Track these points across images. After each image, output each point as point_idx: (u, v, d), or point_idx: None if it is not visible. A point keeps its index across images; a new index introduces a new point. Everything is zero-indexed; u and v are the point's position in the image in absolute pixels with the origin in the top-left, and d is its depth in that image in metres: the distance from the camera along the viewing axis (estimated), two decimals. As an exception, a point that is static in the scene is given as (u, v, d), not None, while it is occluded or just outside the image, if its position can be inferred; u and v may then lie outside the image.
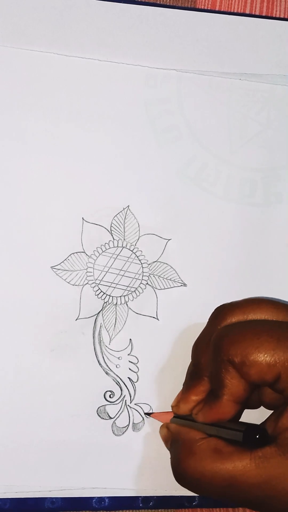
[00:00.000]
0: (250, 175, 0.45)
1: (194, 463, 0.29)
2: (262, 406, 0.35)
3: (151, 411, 0.41)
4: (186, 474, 0.30)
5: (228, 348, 0.30)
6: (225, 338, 0.31)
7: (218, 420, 0.31)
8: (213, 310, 0.35)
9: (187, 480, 0.30)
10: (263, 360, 0.29)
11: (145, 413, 0.41)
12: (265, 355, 0.29)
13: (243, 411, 0.34)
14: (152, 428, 0.41)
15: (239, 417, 0.34)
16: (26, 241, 0.42)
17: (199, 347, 0.34)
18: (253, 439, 0.29)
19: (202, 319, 0.43)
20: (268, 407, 0.34)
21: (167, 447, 0.34)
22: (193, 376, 0.34)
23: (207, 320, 0.35)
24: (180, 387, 0.42)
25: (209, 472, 0.29)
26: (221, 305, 0.34)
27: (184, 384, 0.35)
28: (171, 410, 0.37)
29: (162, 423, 0.37)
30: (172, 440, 0.33)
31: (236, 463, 0.28)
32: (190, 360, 0.35)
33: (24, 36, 0.43)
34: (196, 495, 0.41)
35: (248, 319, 0.32)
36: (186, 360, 0.42)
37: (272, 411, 0.33)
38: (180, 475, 0.30)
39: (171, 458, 0.32)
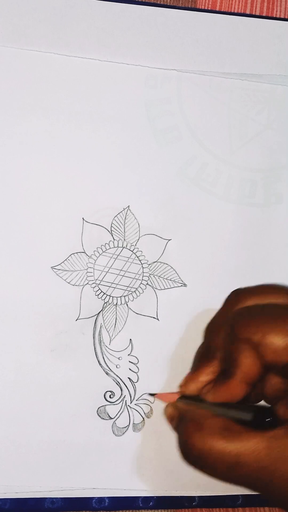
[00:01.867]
0: (250, 175, 0.45)
1: (203, 438, 0.29)
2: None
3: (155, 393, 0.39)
4: (193, 449, 0.29)
5: (246, 328, 0.30)
6: (243, 318, 0.31)
7: (228, 400, 0.31)
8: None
9: (194, 456, 0.29)
10: (280, 342, 0.29)
11: (149, 394, 0.40)
12: (282, 337, 0.29)
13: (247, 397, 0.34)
14: (153, 429, 0.41)
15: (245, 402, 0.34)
16: (26, 241, 0.42)
17: (212, 329, 0.34)
18: (263, 420, 0.30)
19: (202, 319, 0.43)
20: (269, 400, 0.34)
21: (172, 426, 0.33)
22: (203, 356, 0.34)
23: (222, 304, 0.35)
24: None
25: (218, 449, 0.28)
26: (236, 289, 0.34)
27: (193, 365, 0.34)
28: (176, 391, 0.36)
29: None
30: (179, 417, 0.32)
31: (246, 442, 0.28)
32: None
33: (25, 36, 0.43)
34: (196, 495, 0.41)
35: (264, 303, 0.32)
36: (186, 360, 0.42)
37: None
38: (187, 451, 0.29)
39: (178, 435, 0.31)
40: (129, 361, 0.42)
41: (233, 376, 0.30)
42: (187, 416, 0.31)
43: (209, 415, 0.30)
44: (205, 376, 0.33)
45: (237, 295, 0.34)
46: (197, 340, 0.43)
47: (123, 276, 0.43)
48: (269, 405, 0.32)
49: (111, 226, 0.43)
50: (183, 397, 0.34)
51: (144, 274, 0.43)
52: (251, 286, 0.34)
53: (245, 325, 0.30)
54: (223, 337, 0.32)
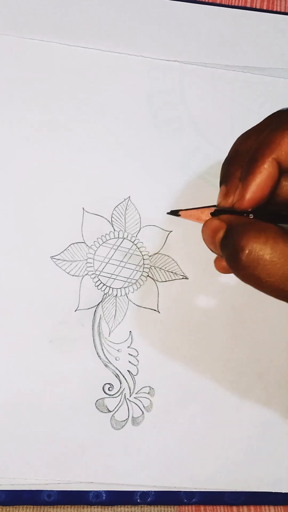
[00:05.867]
0: (252, 168, 0.45)
1: (266, 241, 0.26)
2: None
3: (178, 211, 0.33)
4: (251, 252, 0.26)
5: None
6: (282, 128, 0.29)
7: (257, 201, 0.28)
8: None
9: (253, 265, 0.26)
10: None
11: (169, 212, 0.33)
12: None
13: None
14: (152, 423, 0.40)
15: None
16: (26, 230, 0.41)
17: (246, 136, 0.31)
18: None
19: (203, 312, 0.42)
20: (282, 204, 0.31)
21: (212, 242, 0.29)
22: (230, 163, 0.31)
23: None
24: (181, 382, 0.41)
25: (281, 254, 0.25)
26: (279, 110, 0.32)
27: (223, 178, 0.31)
28: (210, 205, 0.32)
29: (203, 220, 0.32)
30: (228, 228, 0.28)
31: None
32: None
33: (26, 25, 0.43)
34: (195, 490, 0.40)
35: None
36: (187, 353, 0.42)
37: None
38: (242, 252, 0.26)
39: (227, 245, 0.27)
40: (129, 354, 0.41)
41: (259, 166, 0.28)
42: (238, 224, 0.28)
43: (264, 222, 0.27)
44: (262, 183, 0.29)
45: (283, 113, 0.31)
46: (198, 333, 0.42)
47: (123, 267, 0.42)
48: None
49: (112, 217, 0.43)
50: (219, 210, 0.30)
51: (145, 266, 0.42)
52: None
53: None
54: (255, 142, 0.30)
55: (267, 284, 0.26)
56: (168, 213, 0.33)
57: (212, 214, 0.31)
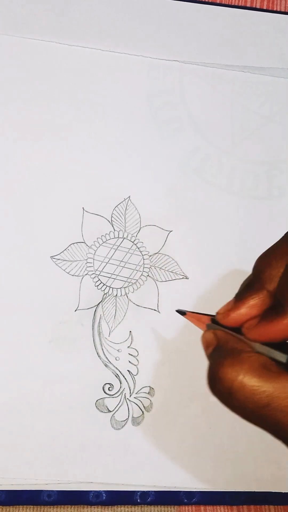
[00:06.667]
0: (253, 168, 0.45)
1: (238, 373, 0.27)
2: None
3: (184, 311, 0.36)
4: (224, 382, 0.27)
5: None
6: None
7: (272, 340, 0.29)
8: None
9: (223, 388, 0.27)
10: None
11: (176, 310, 0.36)
12: None
13: None
14: (152, 423, 0.40)
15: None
16: (26, 230, 0.41)
17: (266, 259, 0.31)
18: None
19: (203, 312, 0.42)
20: None
21: (206, 353, 0.31)
22: (250, 286, 0.31)
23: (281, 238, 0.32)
24: (181, 382, 0.41)
25: (251, 387, 0.27)
26: None
27: (238, 294, 0.31)
28: (210, 314, 0.33)
29: (204, 329, 0.34)
30: (217, 345, 0.30)
31: (282, 384, 0.26)
32: (247, 277, 0.32)
33: (26, 25, 0.43)
34: (196, 490, 0.40)
35: None
36: (187, 353, 0.42)
37: None
38: (217, 381, 0.28)
39: (210, 363, 0.29)
40: (129, 354, 0.41)
41: (286, 315, 0.28)
42: (225, 347, 0.29)
43: (249, 350, 0.28)
44: (249, 308, 0.30)
45: None
46: (198, 333, 0.42)
47: (123, 267, 0.42)
48: None
49: (112, 217, 0.43)
50: (217, 323, 0.32)
51: (145, 266, 0.42)
52: None
53: None
54: (281, 269, 0.29)
55: (236, 410, 0.28)
56: (176, 310, 0.36)
57: (211, 321, 0.33)
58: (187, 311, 0.35)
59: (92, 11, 0.44)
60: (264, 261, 0.31)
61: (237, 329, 0.30)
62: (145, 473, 0.40)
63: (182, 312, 0.35)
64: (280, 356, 0.28)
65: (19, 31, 0.43)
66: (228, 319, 0.31)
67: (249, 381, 0.27)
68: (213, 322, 0.32)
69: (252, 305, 0.30)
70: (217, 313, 0.32)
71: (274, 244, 0.31)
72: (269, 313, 0.29)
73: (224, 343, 0.30)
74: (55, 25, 0.43)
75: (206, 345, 0.31)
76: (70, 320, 0.41)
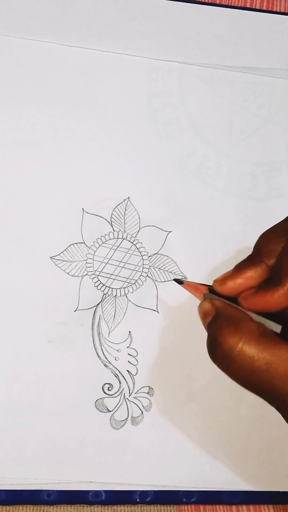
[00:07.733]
0: (251, 169, 0.45)
1: (238, 340, 0.28)
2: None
3: (182, 280, 0.37)
4: (224, 348, 0.28)
5: None
6: None
7: (266, 310, 0.29)
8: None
9: (222, 354, 0.28)
10: None
11: (174, 279, 0.37)
12: None
13: None
14: (152, 423, 0.40)
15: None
16: (26, 231, 0.41)
17: (268, 235, 0.32)
18: None
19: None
20: None
21: (203, 322, 0.32)
22: (251, 259, 0.32)
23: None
24: (180, 382, 0.41)
25: (250, 353, 0.27)
26: None
27: (237, 265, 0.32)
28: (207, 284, 0.34)
29: (201, 299, 0.34)
30: (215, 314, 0.31)
31: (280, 351, 0.27)
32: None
33: (26, 26, 0.43)
34: (195, 489, 0.40)
35: None
36: (186, 353, 0.42)
37: None
38: (217, 348, 0.28)
39: (209, 332, 0.30)
40: (128, 354, 0.41)
41: (282, 285, 0.29)
42: (225, 315, 0.30)
43: (247, 319, 0.29)
44: (248, 278, 0.31)
45: None
46: (197, 333, 0.42)
47: (122, 267, 0.42)
48: None
49: (111, 217, 0.43)
50: (214, 293, 0.32)
51: (144, 266, 0.43)
52: None
53: None
54: (281, 244, 0.30)
55: (234, 376, 0.28)
56: (174, 279, 0.37)
57: (208, 291, 0.33)
58: (185, 280, 0.35)
59: (92, 12, 0.44)
60: (265, 237, 0.32)
61: (233, 299, 0.31)
62: (145, 472, 0.40)
63: (179, 281, 0.36)
64: (275, 327, 0.28)
65: (19, 32, 0.43)
66: (225, 287, 0.31)
67: (249, 348, 0.27)
68: (210, 292, 0.32)
69: (250, 277, 0.30)
70: (214, 280, 0.32)
71: (277, 223, 0.32)
72: (266, 283, 0.30)
73: (223, 311, 0.30)
74: (55, 26, 0.43)
75: (204, 314, 0.32)
76: (69, 321, 0.41)
